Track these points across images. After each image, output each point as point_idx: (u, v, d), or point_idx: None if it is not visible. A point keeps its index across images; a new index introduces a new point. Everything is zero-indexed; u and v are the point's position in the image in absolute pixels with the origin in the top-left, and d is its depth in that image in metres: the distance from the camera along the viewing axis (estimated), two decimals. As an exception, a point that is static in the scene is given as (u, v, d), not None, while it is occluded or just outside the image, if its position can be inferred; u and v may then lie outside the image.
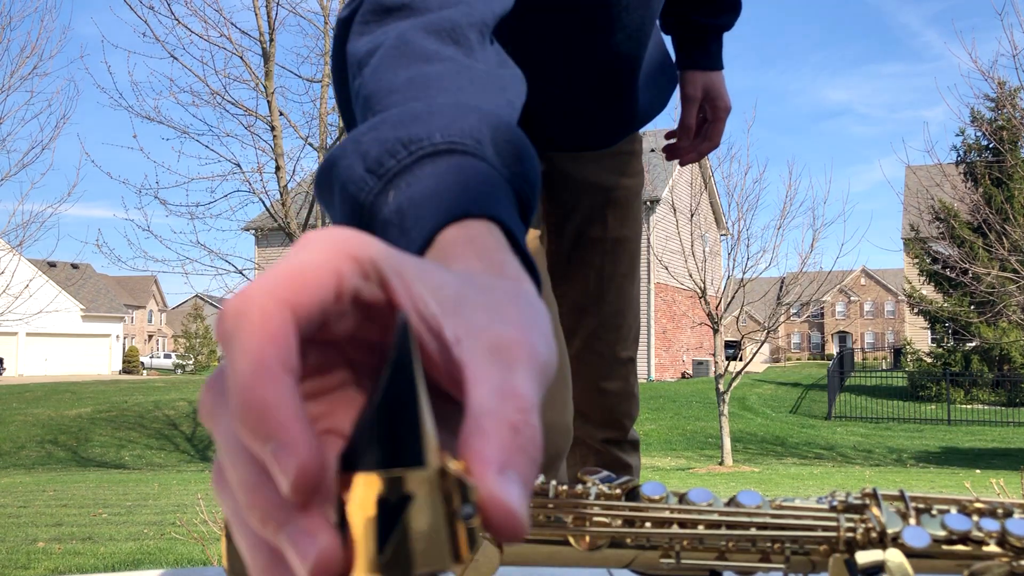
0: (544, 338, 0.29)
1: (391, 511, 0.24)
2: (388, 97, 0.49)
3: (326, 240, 0.27)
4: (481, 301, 0.30)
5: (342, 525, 0.24)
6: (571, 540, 0.53)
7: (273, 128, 12.26)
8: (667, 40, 1.28)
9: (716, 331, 12.94)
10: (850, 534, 0.51)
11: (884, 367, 38.11)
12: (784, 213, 13.84)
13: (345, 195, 0.42)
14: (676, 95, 1.29)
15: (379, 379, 0.24)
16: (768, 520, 0.52)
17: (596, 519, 0.52)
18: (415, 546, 0.24)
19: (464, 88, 0.49)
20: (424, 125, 0.41)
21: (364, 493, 0.24)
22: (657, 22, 1.17)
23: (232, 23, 11.93)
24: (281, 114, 12.24)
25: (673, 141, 1.30)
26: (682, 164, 1.32)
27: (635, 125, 1.19)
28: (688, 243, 13.39)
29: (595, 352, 1.24)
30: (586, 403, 1.25)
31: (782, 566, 0.52)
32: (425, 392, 0.25)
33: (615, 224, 1.23)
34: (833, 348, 53.22)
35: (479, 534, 0.25)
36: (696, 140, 1.29)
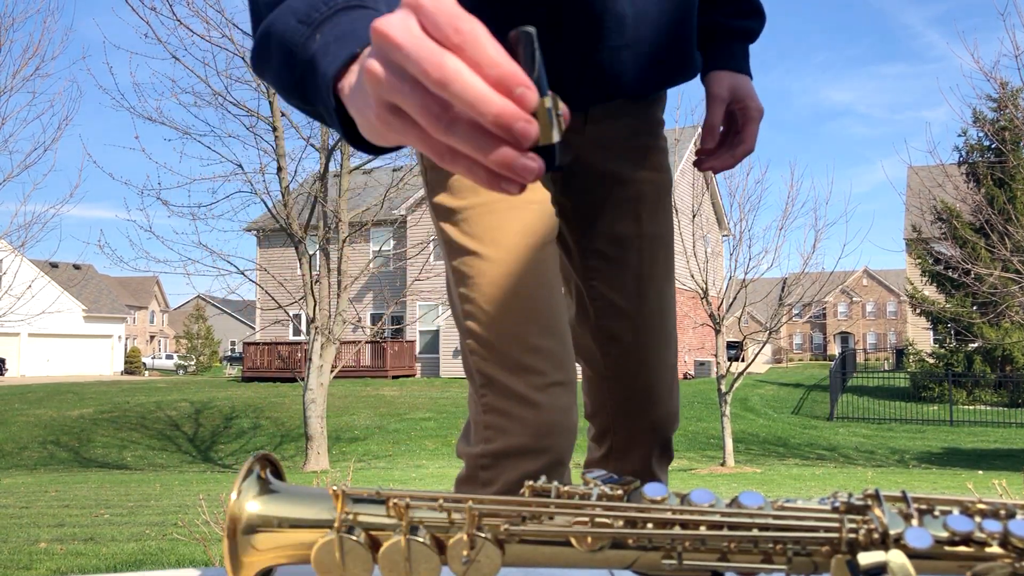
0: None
1: (555, 116, 0.44)
2: None
3: None
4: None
5: None
6: (573, 541, 0.53)
7: (275, 129, 12.26)
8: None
9: (718, 332, 12.93)
10: (852, 535, 0.51)
11: (886, 368, 38.03)
12: (786, 214, 13.85)
13: (281, 44, 0.62)
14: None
15: (527, 45, 0.44)
16: (770, 521, 0.52)
17: (598, 520, 0.52)
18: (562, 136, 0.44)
19: None
20: None
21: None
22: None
23: (234, 24, 11.97)
24: (283, 115, 12.24)
25: (701, 153, 1.26)
26: (715, 171, 1.28)
27: (691, 66, 1.19)
28: (690, 244, 13.38)
29: (638, 359, 1.20)
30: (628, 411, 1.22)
31: (784, 567, 0.52)
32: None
33: (647, 220, 1.20)
34: (835, 349, 53.18)
35: (560, 131, 0.44)
36: (727, 146, 1.25)
